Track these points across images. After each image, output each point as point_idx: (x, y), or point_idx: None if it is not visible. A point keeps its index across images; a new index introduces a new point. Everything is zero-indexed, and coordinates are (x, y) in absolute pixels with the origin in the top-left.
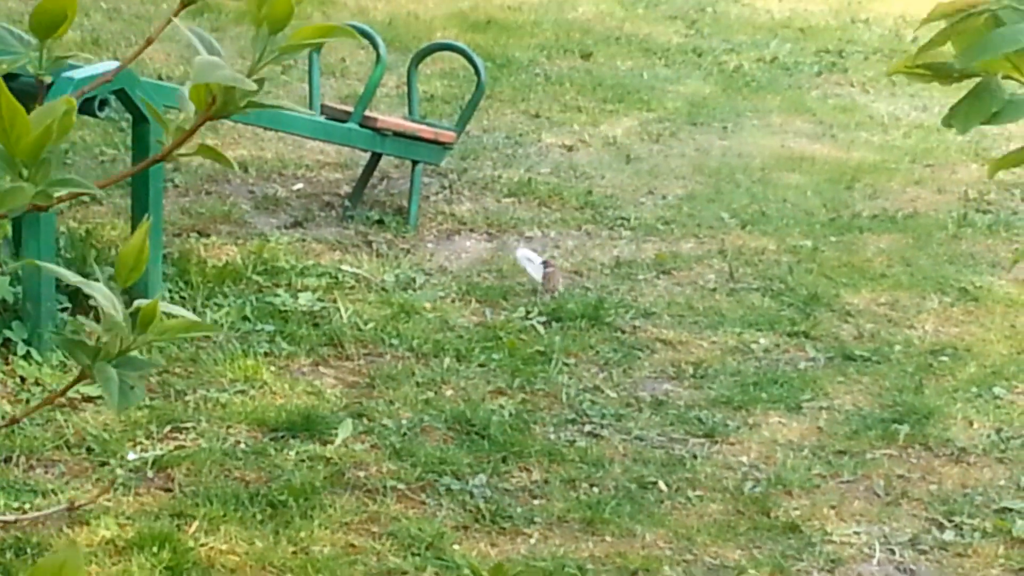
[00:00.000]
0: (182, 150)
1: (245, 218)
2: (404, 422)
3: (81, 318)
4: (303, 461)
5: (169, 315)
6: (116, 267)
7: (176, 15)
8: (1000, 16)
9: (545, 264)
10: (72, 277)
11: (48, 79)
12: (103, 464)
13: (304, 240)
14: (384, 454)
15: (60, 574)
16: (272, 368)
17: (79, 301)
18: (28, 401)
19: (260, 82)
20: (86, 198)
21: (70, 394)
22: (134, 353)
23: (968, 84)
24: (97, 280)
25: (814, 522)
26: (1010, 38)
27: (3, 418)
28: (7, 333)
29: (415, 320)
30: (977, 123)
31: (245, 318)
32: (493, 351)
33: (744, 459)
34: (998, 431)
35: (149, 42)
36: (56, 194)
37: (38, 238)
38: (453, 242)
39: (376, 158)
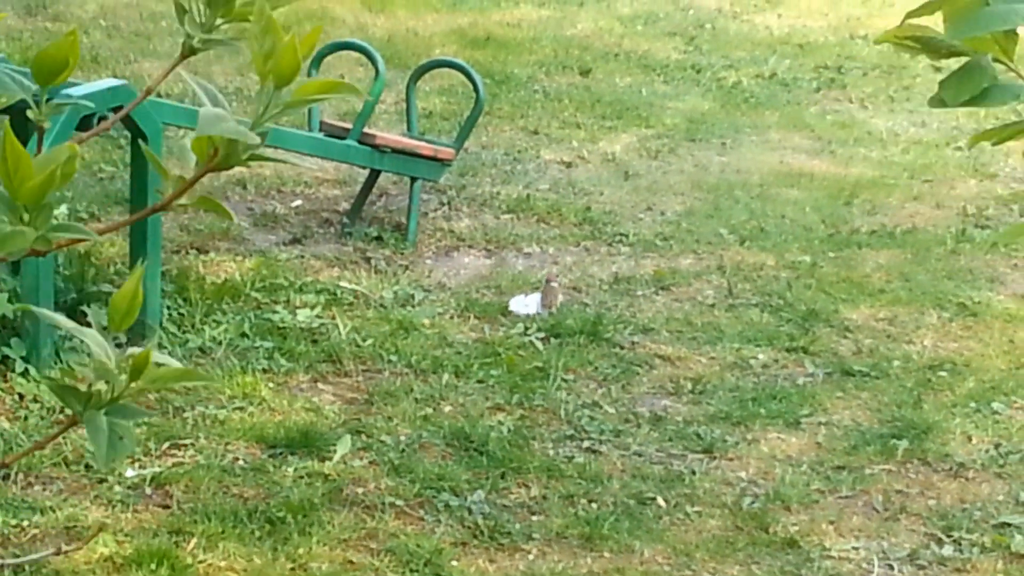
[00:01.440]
0: (182, 200)
1: (244, 235)
2: (403, 438)
3: (74, 359)
4: (301, 477)
5: (160, 364)
6: (109, 313)
7: (176, 65)
8: None
9: (547, 280)
10: (65, 323)
11: (47, 125)
12: (101, 481)
13: (303, 257)
14: (382, 470)
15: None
16: (271, 384)
17: (76, 319)
18: (26, 418)
19: (263, 135)
20: (85, 215)
21: (68, 411)
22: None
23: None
24: (91, 320)
25: (813, 537)
26: (1002, 16)
27: (1, 436)
28: (5, 350)
29: (414, 336)
30: (966, 97)
31: (244, 335)
32: (492, 367)
33: (743, 475)
34: (997, 446)
35: (148, 92)
36: (57, 240)
37: (36, 259)
38: (452, 258)
39: (375, 175)
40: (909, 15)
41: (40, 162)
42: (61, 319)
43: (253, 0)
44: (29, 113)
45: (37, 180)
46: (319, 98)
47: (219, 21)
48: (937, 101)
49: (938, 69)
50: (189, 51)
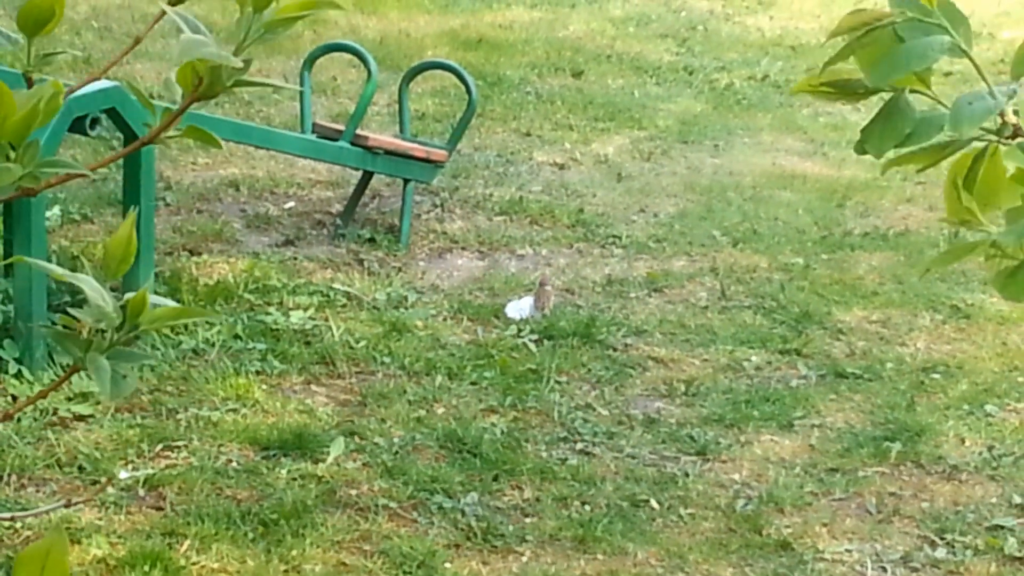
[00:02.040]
0: (170, 132)
1: (236, 236)
2: (396, 440)
3: (71, 311)
4: (295, 479)
5: (157, 305)
6: (104, 258)
7: (168, 2)
8: (900, 31)
9: (541, 283)
10: (59, 271)
11: (35, 76)
12: (94, 483)
13: (296, 258)
14: (376, 472)
15: (47, 559)
16: (264, 386)
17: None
18: (19, 420)
19: (247, 61)
20: (77, 216)
21: (61, 413)
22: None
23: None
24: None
25: (806, 540)
26: (918, 54)
27: None
28: None
29: (407, 338)
30: (891, 146)
31: (237, 336)
32: (485, 369)
33: (736, 477)
34: (990, 448)
35: (138, 41)
36: (46, 177)
37: (28, 255)
38: (445, 260)
39: (367, 176)
40: (825, 66)
41: (23, 97)
42: (54, 267)
43: None
44: (17, 64)
45: (20, 115)
46: (300, 15)
47: None
48: (860, 151)
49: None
50: None
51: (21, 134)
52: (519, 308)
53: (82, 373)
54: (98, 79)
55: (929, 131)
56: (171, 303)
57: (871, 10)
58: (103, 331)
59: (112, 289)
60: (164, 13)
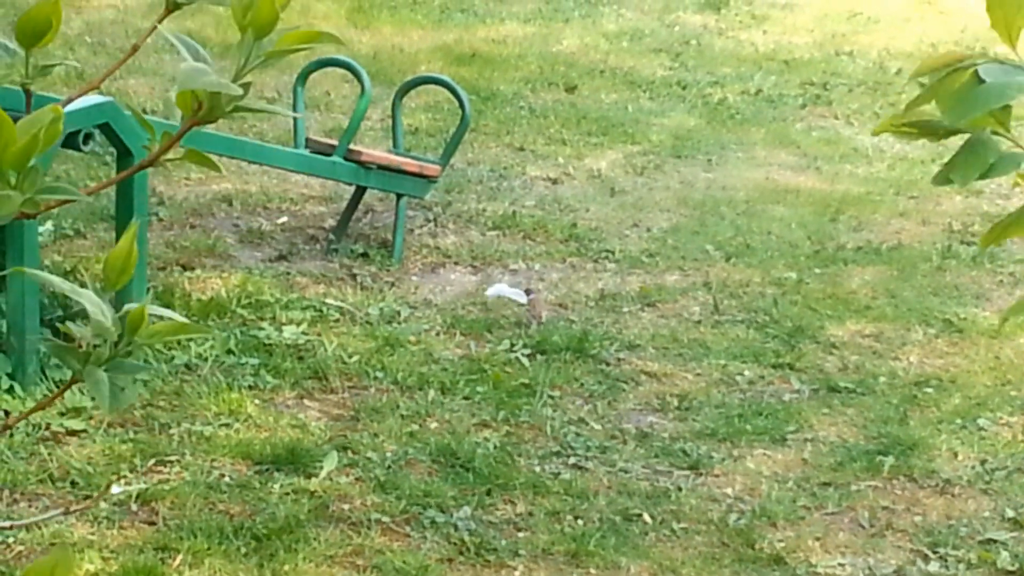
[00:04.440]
0: (169, 155)
1: (229, 251)
2: (389, 455)
3: (70, 323)
4: (288, 494)
5: (158, 318)
6: (104, 271)
7: (161, 21)
8: (982, 73)
9: (527, 291)
10: (59, 283)
11: (34, 87)
12: (87, 498)
13: (289, 273)
14: (369, 487)
15: (52, 575)
16: (257, 401)
17: (61, 336)
18: (12, 435)
19: (246, 87)
20: (70, 232)
21: (54, 428)
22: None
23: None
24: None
25: (799, 554)
26: (996, 94)
27: None
28: None
29: (400, 353)
30: (975, 176)
31: (229, 351)
32: (478, 384)
33: (729, 491)
34: (983, 462)
35: (135, 49)
36: (44, 202)
37: (21, 277)
38: (438, 275)
39: (361, 191)
40: (908, 107)
41: (24, 125)
42: (55, 279)
43: None
44: (16, 76)
45: (21, 143)
46: (299, 48)
47: None
48: (943, 180)
49: (923, 86)
50: (173, 6)
51: (22, 162)
52: (498, 290)
53: (75, 388)
54: (96, 87)
55: (1010, 166)
56: (173, 315)
57: (954, 52)
58: (101, 344)
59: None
60: (155, 28)
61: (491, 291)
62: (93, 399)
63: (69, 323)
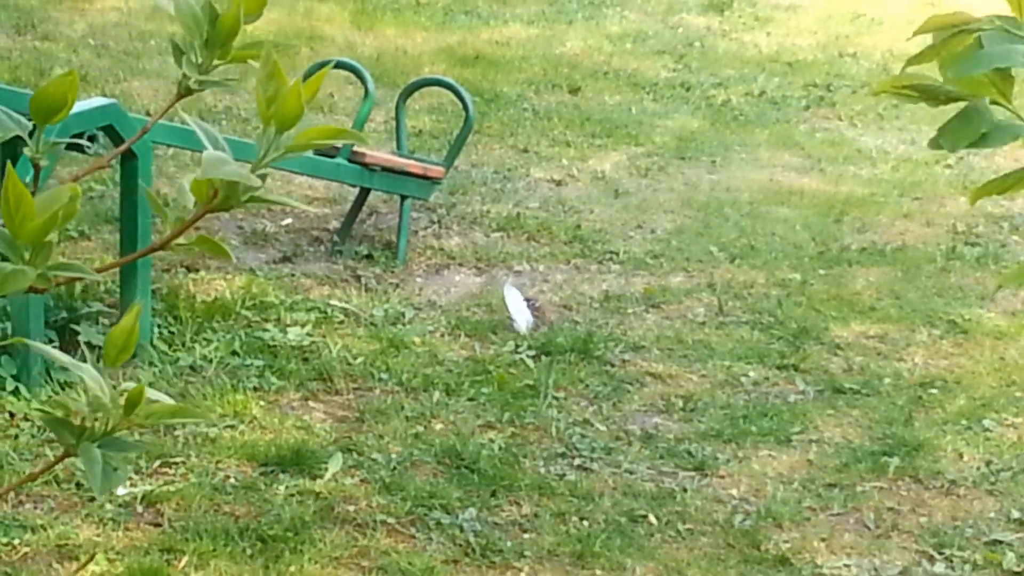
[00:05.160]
0: (180, 240)
1: (234, 253)
2: (394, 456)
3: (69, 393)
4: (293, 496)
5: (153, 400)
6: (105, 348)
7: (172, 105)
8: (984, 39)
9: (528, 300)
10: (62, 357)
11: (44, 163)
12: (92, 499)
13: (293, 275)
14: (374, 488)
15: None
16: (261, 403)
17: (67, 337)
18: (17, 437)
19: (263, 178)
20: (74, 234)
21: None
22: (120, 434)
23: (955, 108)
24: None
25: (804, 555)
26: (999, 55)
27: None
28: None
29: (404, 354)
30: (965, 143)
31: (234, 353)
32: (483, 385)
33: (734, 492)
34: (988, 463)
35: (145, 131)
36: (54, 278)
37: None
38: (442, 276)
39: (365, 193)
40: (909, 62)
41: (42, 201)
42: (57, 353)
43: (251, 43)
44: (26, 151)
45: (39, 220)
46: (320, 144)
47: (216, 62)
48: (935, 145)
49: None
50: (186, 91)
51: (38, 237)
52: (513, 296)
53: (79, 390)
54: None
55: (1005, 136)
56: (168, 400)
57: (960, 13)
58: (97, 420)
59: (110, 306)
60: (171, 106)
61: (508, 291)
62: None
63: (68, 393)
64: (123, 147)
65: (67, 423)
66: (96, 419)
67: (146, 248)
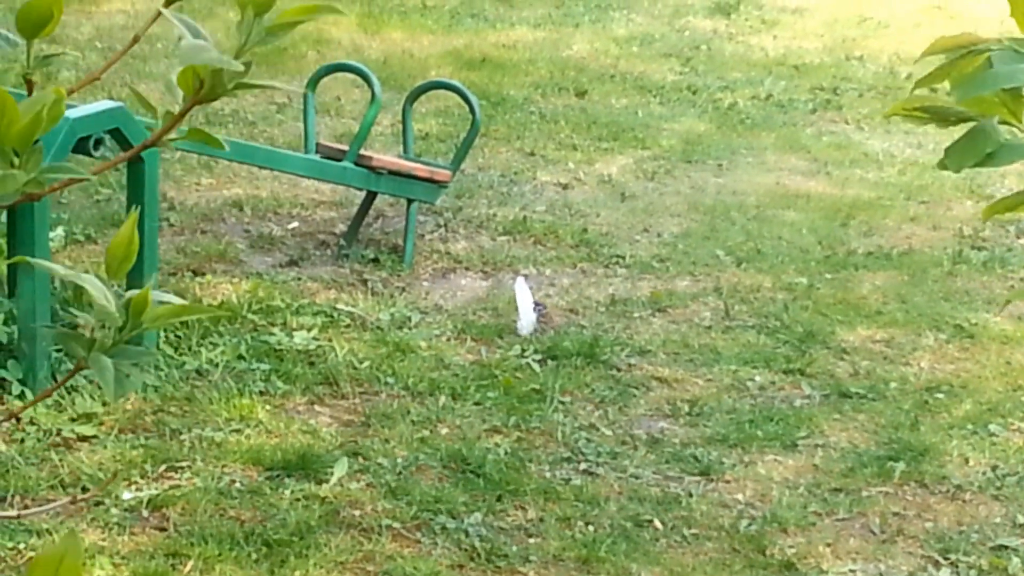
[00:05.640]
0: (172, 135)
1: (240, 257)
2: (399, 461)
3: (74, 310)
4: (298, 500)
5: (161, 302)
6: (107, 259)
7: (167, 5)
8: (994, 59)
9: (536, 305)
10: (62, 271)
11: (36, 79)
12: (98, 504)
13: (299, 279)
14: (379, 493)
15: (60, 564)
16: (267, 407)
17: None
18: (23, 440)
19: (247, 64)
20: (80, 237)
21: (65, 434)
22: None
23: (964, 127)
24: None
25: (810, 560)
26: (1008, 75)
27: None
28: (1, 372)
29: (410, 359)
30: (971, 164)
31: (240, 357)
32: (488, 389)
33: (740, 497)
34: (994, 468)
35: (135, 40)
36: (49, 182)
37: (32, 276)
38: (448, 280)
39: (371, 197)
40: (918, 84)
41: (26, 105)
42: (56, 267)
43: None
44: (18, 67)
45: (24, 122)
46: (300, 20)
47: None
48: (942, 166)
49: (934, 90)
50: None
51: (25, 140)
52: (523, 291)
53: (85, 393)
54: (97, 78)
55: (1011, 156)
56: (176, 299)
57: (968, 34)
58: (106, 331)
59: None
60: (159, 14)
61: (520, 287)
62: (105, 404)
63: (75, 310)
64: (131, 153)
65: (77, 335)
66: (105, 329)
67: (141, 144)
